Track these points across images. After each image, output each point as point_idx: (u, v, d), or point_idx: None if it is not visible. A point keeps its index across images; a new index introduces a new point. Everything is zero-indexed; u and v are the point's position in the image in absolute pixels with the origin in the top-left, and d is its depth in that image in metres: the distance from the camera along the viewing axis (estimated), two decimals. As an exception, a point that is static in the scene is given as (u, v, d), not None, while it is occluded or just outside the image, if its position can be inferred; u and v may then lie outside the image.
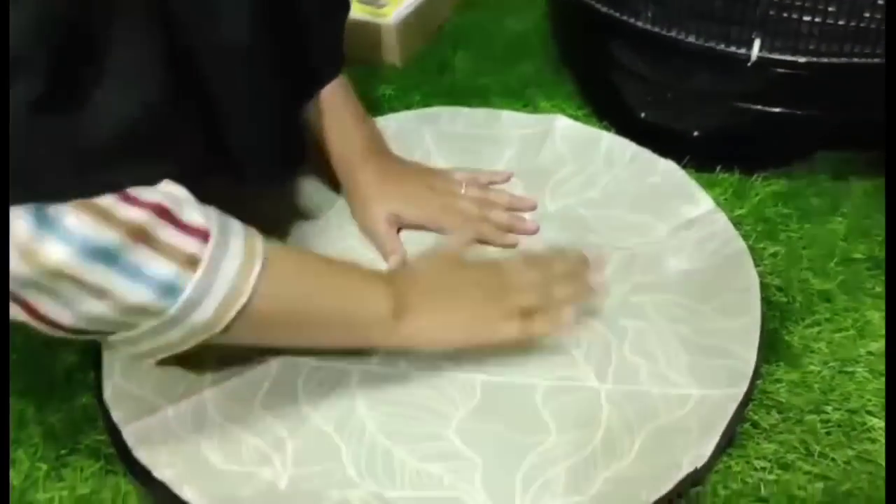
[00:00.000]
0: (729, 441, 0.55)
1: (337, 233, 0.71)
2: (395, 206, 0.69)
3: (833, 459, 0.54)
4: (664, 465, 0.53)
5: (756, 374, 0.58)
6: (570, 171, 0.76)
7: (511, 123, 0.81)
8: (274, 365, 0.60)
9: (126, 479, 0.55)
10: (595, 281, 0.62)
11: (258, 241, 0.50)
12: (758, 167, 0.75)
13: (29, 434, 0.58)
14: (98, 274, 0.43)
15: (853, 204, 0.73)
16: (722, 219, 0.69)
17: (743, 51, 0.71)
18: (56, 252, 0.41)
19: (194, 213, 0.47)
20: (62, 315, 0.44)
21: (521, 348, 0.60)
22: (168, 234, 0.45)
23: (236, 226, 0.49)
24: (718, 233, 0.68)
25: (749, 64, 0.71)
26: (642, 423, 0.56)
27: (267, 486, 0.53)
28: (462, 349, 0.58)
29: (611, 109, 0.82)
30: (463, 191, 0.72)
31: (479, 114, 0.82)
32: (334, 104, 0.69)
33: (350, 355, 0.60)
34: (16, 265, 0.41)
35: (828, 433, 0.56)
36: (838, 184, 0.75)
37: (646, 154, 0.76)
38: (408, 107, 0.86)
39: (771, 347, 0.61)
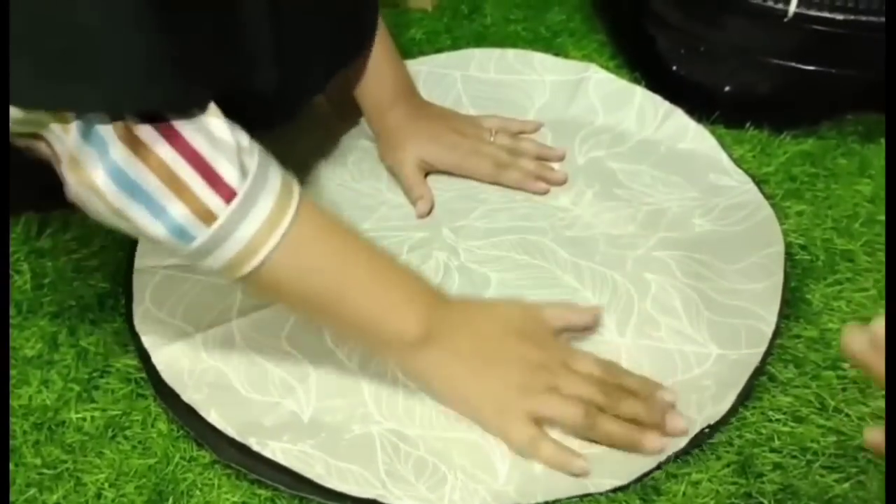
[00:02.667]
0: (745, 396, 0.56)
1: (365, 175, 0.71)
2: (423, 150, 0.69)
3: (847, 415, 0.55)
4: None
5: (776, 336, 0.59)
6: (601, 124, 0.75)
7: (543, 68, 0.80)
8: (301, 300, 0.61)
9: (156, 402, 0.57)
10: (654, 443, 0.51)
11: (287, 212, 0.48)
12: (787, 125, 0.75)
13: (62, 355, 0.59)
14: (124, 202, 0.46)
15: (881, 166, 0.73)
16: (752, 189, 0.69)
17: (780, 6, 0.70)
18: (95, 172, 0.45)
19: (229, 167, 0.46)
20: (96, 214, 0.48)
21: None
22: (196, 183, 0.46)
23: (273, 185, 0.48)
24: (748, 203, 0.68)
25: (786, 20, 0.70)
26: (660, 379, 0.56)
27: (290, 416, 0.54)
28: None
29: (643, 61, 0.81)
30: (492, 138, 0.72)
31: (510, 56, 0.82)
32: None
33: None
34: (64, 169, 0.46)
35: (843, 389, 0.57)
36: (867, 146, 0.75)
37: (679, 115, 0.75)
38: (437, 51, 0.86)
39: (791, 304, 0.62)
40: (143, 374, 0.58)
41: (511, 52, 0.82)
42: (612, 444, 0.51)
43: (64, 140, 0.45)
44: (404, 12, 0.91)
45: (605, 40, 0.86)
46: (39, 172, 0.63)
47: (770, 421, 0.55)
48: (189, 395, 0.55)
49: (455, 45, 0.86)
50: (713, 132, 0.75)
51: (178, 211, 0.46)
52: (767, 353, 0.58)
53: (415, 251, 0.65)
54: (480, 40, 0.87)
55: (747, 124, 0.75)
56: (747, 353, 0.58)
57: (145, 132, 0.45)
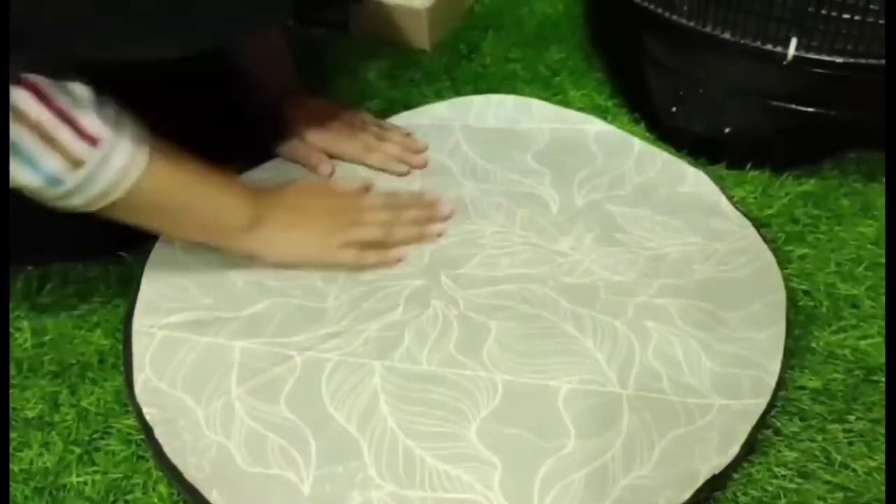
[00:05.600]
0: (750, 449, 0.55)
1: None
2: (309, 133, 0.77)
3: (854, 470, 0.55)
4: (683, 474, 0.53)
5: (779, 387, 0.59)
6: (599, 166, 0.75)
7: (541, 117, 0.80)
8: (298, 360, 0.60)
9: (156, 465, 0.56)
10: (434, 229, 0.70)
11: (144, 148, 0.57)
12: (788, 166, 0.75)
13: (62, 416, 0.59)
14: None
15: (883, 206, 0.72)
16: (752, 234, 0.69)
17: (779, 49, 0.70)
18: None
19: (92, 118, 0.54)
20: None
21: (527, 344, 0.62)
22: (65, 135, 0.53)
23: (129, 130, 0.56)
24: (748, 248, 0.68)
25: (785, 63, 0.70)
26: (663, 431, 0.56)
27: (291, 491, 0.53)
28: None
29: (641, 102, 0.81)
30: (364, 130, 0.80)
31: (509, 103, 0.82)
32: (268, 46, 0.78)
33: (373, 351, 0.61)
34: None
35: (850, 443, 0.56)
36: (869, 185, 0.74)
37: (677, 164, 0.76)
38: (436, 92, 0.86)
39: (795, 353, 0.61)
40: (144, 436, 0.58)
41: (510, 100, 0.82)
42: (407, 242, 0.69)
43: None
44: (403, 53, 0.91)
45: (604, 79, 0.86)
46: (37, 223, 0.64)
47: (776, 477, 0.55)
48: (191, 475, 0.54)
49: (454, 86, 0.86)
50: (714, 173, 0.74)
51: (50, 162, 0.53)
52: (771, 405, 0.58)
53: (413, 300, 0.65)
54: (479, 80, 0.87)
55: (748, 165, 0.75)
56: (750, 403, 0.57)
57: (18, 95, 0.51)
